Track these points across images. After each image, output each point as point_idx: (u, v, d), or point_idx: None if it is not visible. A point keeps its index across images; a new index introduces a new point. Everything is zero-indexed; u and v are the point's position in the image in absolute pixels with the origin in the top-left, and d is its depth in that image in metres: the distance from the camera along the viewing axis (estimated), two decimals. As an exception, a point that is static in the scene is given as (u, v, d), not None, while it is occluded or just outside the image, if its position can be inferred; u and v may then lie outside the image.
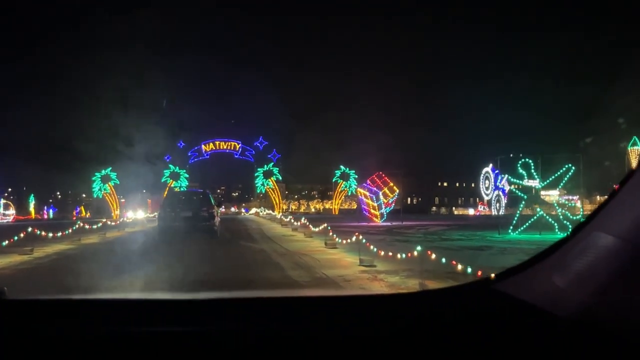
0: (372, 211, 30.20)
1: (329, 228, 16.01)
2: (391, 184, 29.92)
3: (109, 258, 13.65)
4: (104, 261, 13.01)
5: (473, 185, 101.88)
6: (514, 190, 22.42)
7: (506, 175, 75.59)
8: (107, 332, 1.67)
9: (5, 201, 55.83)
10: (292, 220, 23.59)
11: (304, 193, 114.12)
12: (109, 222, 24.27)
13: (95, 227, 22.33)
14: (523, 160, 20.94)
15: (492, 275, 1.88)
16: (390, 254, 10.31)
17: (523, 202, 21.53)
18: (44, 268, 11.07)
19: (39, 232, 15.39)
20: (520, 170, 20.84)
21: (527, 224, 21.06)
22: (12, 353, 1.58)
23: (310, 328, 1.73)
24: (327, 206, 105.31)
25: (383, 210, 29.89)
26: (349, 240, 13.74)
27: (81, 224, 19.97)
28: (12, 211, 55.97)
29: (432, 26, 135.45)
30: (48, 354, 1.60)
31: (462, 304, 1.87)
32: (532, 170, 20.72)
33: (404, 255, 9.38)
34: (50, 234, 16.75)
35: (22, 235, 14.32)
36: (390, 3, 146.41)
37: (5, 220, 52.65)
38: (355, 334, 1.69)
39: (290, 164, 78.01)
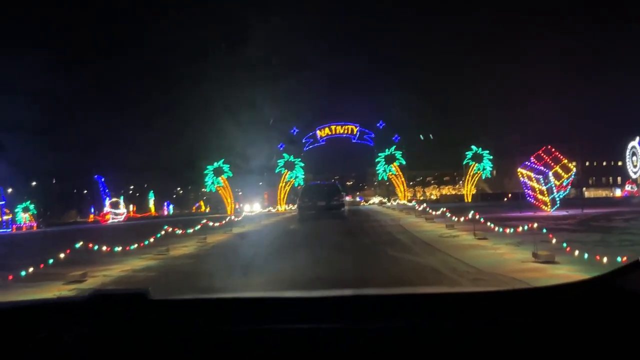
0: (540, 197, 23.25)
1: (546, 232, 9.76)
2: (565, 161, 22.72)
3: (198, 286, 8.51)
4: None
5: (613, 163, 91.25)
6: None
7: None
8: (244, 329, 1.71)
9: (115, 199, 53.17)
10: (448, 214, 17.54)
11: (419, 179, 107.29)
12: (209, 224, 19.37)
13: (190, 230, 17.58)
14: None
15: (614, 270, 1.71)
16: None
17: None
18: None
19: (110, 250, 10.71)
20: None
21: None
22: (156, 349, 1.66)
23: (424, 324, 1.68)
24: (443, 192, 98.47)
25: (555, 195, 23.05)
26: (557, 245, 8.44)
27: (168, 229, 15.12)
28: (123, 210, 53.37)
29: None
30: (187, 351, 1.66)
31: (582, 302, 1.70)
32: None
33: None
34: (134, 245, 12.72)
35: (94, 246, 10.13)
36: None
37: (116, 220, 50.34)
38: (473, 330, 1.62)
39: (406, 147, 70.80)
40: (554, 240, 8.56)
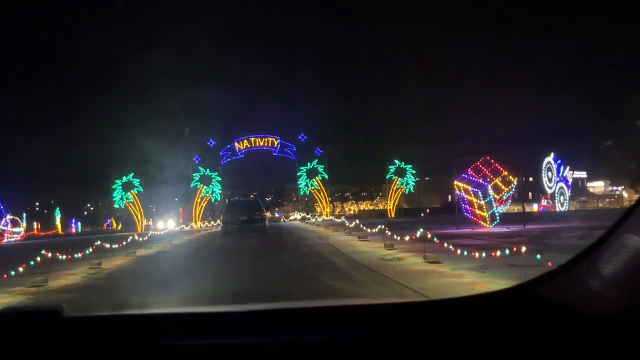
0: (478, 212, 21.53)
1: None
2: (505, 173, 21.07)
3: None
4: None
5: (524, 179, 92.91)
6: None
7: (568, 167, 67.58)
8: (160, 345, 1.66)
9: (12, 217, 48.23)
10: (388, 232, 15.44)
11: (337, 195, 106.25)
12: (105, 245, 16.43)
13: (78, 255, 14.63)
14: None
15: (533, 279, 1.87)
16: None
17: None
18: None
19: None
20: None
21: None
22: None
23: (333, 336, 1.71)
24: (362, 207, 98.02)
25: (494, 210, 21.43)
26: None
27: (45, 255, 12.10)
28: (20, 229, 48.43)
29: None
30: None
31: (502, 310, 1.81)
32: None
33: None
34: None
35: None
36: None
37: (13, 238, 45.57)
38: (395, 340, 1.65)
39: (328, 161, 68.83)
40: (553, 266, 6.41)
